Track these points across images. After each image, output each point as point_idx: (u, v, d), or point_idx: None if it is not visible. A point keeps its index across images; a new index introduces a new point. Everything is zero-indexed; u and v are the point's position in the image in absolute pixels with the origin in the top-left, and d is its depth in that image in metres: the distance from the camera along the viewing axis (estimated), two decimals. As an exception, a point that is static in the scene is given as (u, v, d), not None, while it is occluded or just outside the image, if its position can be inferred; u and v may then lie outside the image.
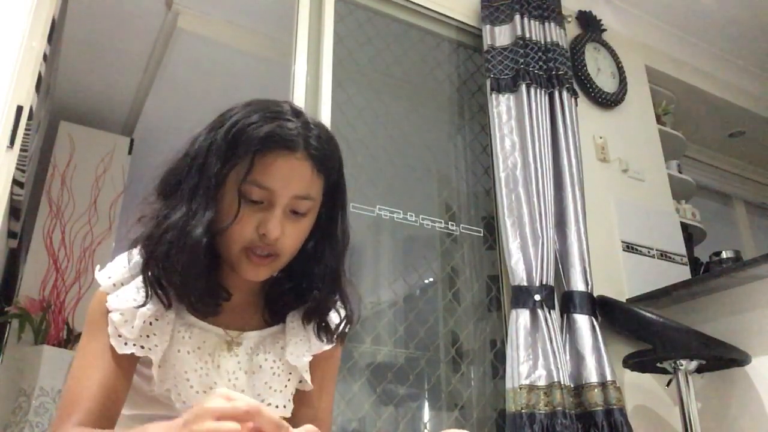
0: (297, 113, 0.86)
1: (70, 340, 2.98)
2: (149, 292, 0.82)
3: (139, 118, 3.86)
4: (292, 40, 2.25)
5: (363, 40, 2.47)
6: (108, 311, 0.82)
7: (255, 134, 0.80)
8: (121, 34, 3.27)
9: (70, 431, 0.75)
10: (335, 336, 0.94)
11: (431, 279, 2.41)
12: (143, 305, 0.82)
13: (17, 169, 1.78)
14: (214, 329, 0.87)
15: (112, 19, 3.16)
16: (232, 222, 0.80)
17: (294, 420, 0.90)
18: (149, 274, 0.82)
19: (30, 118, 1.76)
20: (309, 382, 0.91)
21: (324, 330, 0.92)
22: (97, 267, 0.88)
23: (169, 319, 0.84)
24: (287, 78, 2.21)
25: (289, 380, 0.90)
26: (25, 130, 1.69)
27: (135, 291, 0.83)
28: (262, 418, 0.58)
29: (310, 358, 0.92)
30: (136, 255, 0.84)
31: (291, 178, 0.81)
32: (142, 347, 0.82)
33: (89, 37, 3.28)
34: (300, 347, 0.91)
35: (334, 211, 0.90)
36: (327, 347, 0.94)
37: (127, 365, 0.83)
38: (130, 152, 3.78)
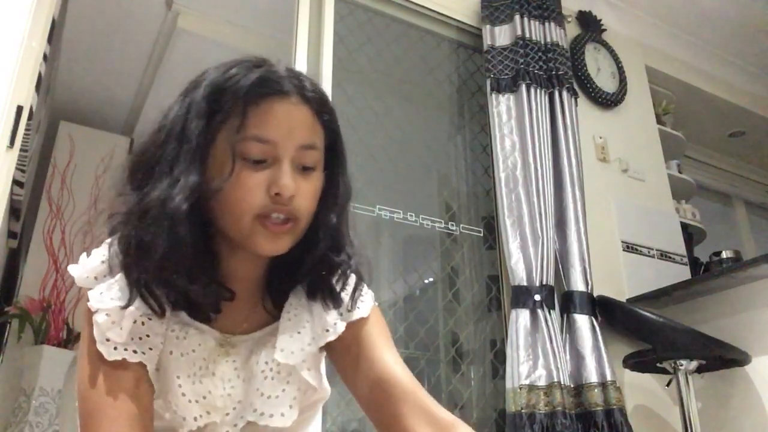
0: (278, 61, 0.77)
1: (70, 340, 2.99)
2: (133, 294, 0.70)
3: (139, 118, 3.86)
4: (292, 40, 2.25)
5: (363, 40, 2.47)
6: (91, 311, 0.70)
7: (242, 83, 0.71)
8: (121, 34, 3.27)
9: None
10: (350, 300, 0.82)
11: (431, 279, 2.41)
12: (128, 306, 0.70)
13: (17, 169, 1.78)
14: (210, 330, 0.77)
15: (112, 19, 3.16)
16: (227, 180, 0.69)
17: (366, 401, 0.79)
18: (132, 272, 0.70)
19: (30, 118, 1.76)
20: (312, 382, 0.79)
21: (331, 297, 0.80)
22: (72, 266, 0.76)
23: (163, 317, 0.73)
24: (287, 78, 2.21)
25: (288, 383, 0.78)
26: (25, 130, 1.69)
27: (117, 290, 0.71)
28: None
29: (313, 350, 0.79)
30: (114, 246, 0.72)
31: (292, 126, 0.72)
32: (135, 352, 0.71)
33: (89, 36, 3.28)
34: (296, 342, 0.78)
35: (336, 168, 0.80)
36: (341, 327, 0.80)
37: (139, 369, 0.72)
38: (130, 152, 3.78)
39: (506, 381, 2.04)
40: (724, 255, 2.73)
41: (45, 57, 1.91)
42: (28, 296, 3.01)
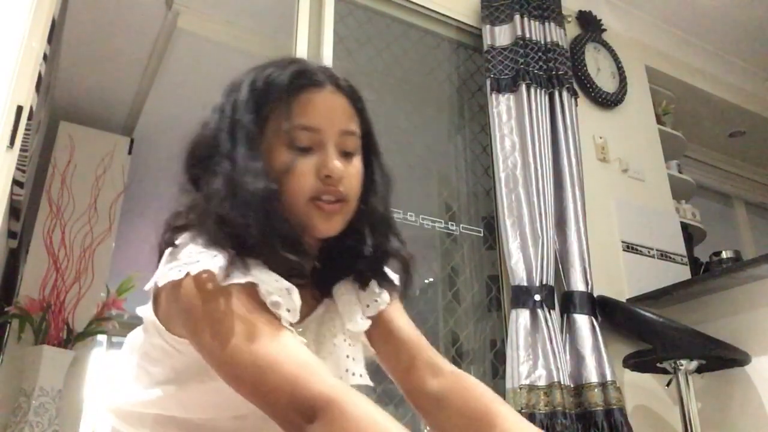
0: (308, 60, 0.84)
1: (70, 340, 2.98)
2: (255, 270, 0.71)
3: (139, 118, 3.85)
4: (292, 40, 2.26)
5: (363, 40, 2.47)
6: (259, 298, 0.69)
7: (282, 78, 0.78)
8: (121, 34, 3.26)
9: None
10: (402, 283, 0.89)
11: (431, 279, 2.41)
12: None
13: (17, 169, 1.78)
14: None
15: (112, 19, 3.16)
16: (290, 167, 0.75)
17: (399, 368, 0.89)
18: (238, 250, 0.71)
19: (30, 118, 1.76)
20: (370, 347, 0.90)
21: (386, 280, 0.88)
22: (182, 263, 0.70)
23: None
24: (287, 78, 2.21)
25: (359, 349, 0.86)
26: (25, 130, 1.69)
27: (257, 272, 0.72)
28: None
29: (369, 323, 0.86)
30: (201, 239, 0.73)
31: (332, 113, 0.79)
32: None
33: (89, 37, 3.27)
34: (355, 314, 0.86)
35: (372, 155, 0.86)
36: (386, 297, 0.89)
37: None
38: (130, 152, 3.78)
39: (506, 381, 2.04)
40: (724, 255, 2.73)
41: (45, 57, 1.91)
42: (28, 296, 3.00)
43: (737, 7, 3.28)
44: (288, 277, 0.74)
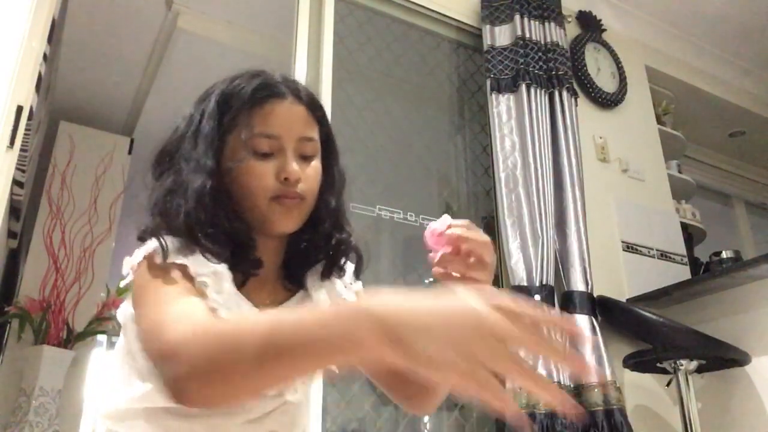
0: (273, 70, 0.91)
1: (70, 340, 2.99)
2: (199, 255, 0.77)
3: (139, 118, 3.86)
4: (292, 40, 2.25)
5: (363, 40, 2.47)
6: (190, 277, 0.75)
7: (246, 89, 0.85)
8: (121, 34, 3.27)
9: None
10: (354, 272, 0.96)
11: (431, 279, 2.41)
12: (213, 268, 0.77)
13: (17, 169, 1.78)
14: (248, 303, 0.84)
15: (112, 19, 3.16)
16: (240, 163, 0.82)
17: None
18: (192, 238, 0.78)
19: (30, 118, 1.76)
20: None
21: (337, 268, 0.93)
22: (141, 251, 0.78)
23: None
24: (287, 78, 2.21)
25: None
26: (25, 130, 1.69)
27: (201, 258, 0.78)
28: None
29: None
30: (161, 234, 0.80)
31: (291, 122, 0.86)
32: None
33: (89, 37, 3.28)
34: None
35: (329, 159, 0.93)
36: (352, 298, 0.95)
37: None
38: (130, 152, 3.78)
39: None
40: (724, 255, 2.73)
41: (45, 57, 1.91)
42: (28, 296, 3.01)
43: (737, 7, 3.28)
44: (235, 265, 0.80)
